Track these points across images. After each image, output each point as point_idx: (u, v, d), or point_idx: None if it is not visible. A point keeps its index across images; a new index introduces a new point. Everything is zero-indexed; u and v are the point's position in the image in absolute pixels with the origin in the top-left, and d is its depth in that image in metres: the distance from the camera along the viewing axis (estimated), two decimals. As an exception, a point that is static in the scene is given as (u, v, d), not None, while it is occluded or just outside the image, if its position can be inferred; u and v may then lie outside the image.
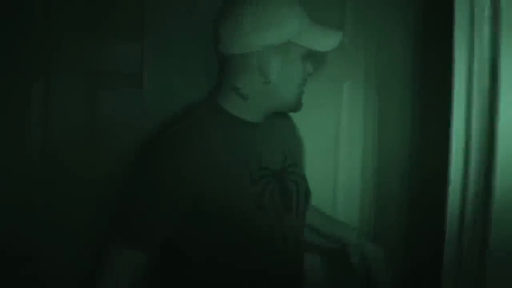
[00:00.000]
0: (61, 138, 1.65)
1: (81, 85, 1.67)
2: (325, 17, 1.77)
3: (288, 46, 1.15)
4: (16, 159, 1.61)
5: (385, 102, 1.92)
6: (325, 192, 1.84)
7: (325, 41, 1.19)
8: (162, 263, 1.19)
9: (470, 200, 1.19)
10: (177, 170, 1.09)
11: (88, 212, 1.63)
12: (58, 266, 1.60)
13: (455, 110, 1.21)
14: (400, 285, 1.85)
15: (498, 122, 1.14)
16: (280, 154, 1.25)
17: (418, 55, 1.91)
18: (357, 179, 1.93)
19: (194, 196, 1.10)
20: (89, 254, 1.20)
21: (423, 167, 1.90)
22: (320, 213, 1.48)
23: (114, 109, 1.70)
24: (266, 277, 1.19)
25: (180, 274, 1.18)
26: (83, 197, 1.64)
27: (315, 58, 1.26)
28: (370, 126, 1.94)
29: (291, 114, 1.34)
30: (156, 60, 1.69)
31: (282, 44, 1.14)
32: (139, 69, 1.69)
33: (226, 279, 1.16)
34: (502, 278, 1.15)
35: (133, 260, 1.11)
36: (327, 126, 1.89)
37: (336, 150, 1.90)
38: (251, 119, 1.20)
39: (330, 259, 1.65)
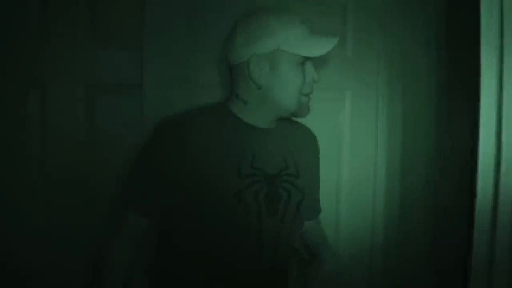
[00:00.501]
0: (59, 147, 1.62)
1: (79, 94, 1.64)
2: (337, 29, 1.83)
3: (277, 53, 1.23)
4: (13, 166, 1.59)
5: (410, 107, 1.95)
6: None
7: (315, 47, 1.26)
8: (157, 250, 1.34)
9: (500, 207, 1.17)
10: (176, 151, 1.23)
11: (87, 221, 1.63)
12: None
13: (483, 114, 1.20)
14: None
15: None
16: (280, 160, 1.32)
17: (443, 60, 1.93)
18: (382, 183, 1.96)
19: (182, 176, 1.23)
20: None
21: (449, 171, 1.92)
22: (318, 230, 1.49)
23: (113, 118, 1.69)
24: (237, 271, 1.27)
25: (169, 258, 1.30)
26: (82, 205, 1.64)
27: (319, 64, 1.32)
28: (396, 131, 1.96)
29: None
30: (156, 69, 1.66)
31: (270, 52, 1.23)
32: (138, 78, 1.65)
33: (204, 266, 1.26)
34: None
35: (136, 223, 1.27)
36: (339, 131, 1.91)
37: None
38: (256, 123, 1.30)
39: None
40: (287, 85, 1.25)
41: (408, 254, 1.96)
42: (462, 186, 1.75)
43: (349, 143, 1.94)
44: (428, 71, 1.97)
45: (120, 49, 1.65)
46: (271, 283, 1.31)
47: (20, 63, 1.57)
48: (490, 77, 1.19)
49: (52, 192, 1.59)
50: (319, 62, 1.81)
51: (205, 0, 1.70)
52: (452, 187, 1.93)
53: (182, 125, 1.26)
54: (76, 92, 1.62)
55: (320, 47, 1.26)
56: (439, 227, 1.97)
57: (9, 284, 1.57)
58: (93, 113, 1.65)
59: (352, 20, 1.89)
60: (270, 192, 1.28)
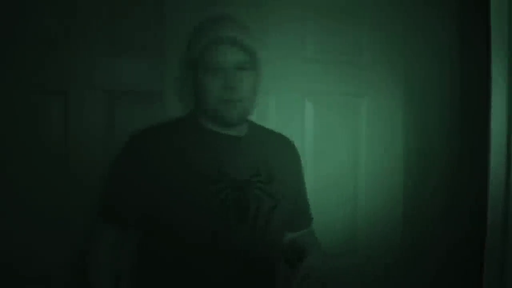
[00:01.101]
0: (81, 155, 1.63)
1: (100, 101, 1.66)
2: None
3: (194, 62, 1.29)
4: (37, 172, 1.61)
5: (425, 113, 1.98)
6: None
7: (222, 58, 1.27)
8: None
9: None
10: (143, 161, 1.28)
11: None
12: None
13: (494, 118, 1.23)
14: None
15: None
16: (250, 167, 1.33)
17: (456, 66, 1.95)
18: (400, 188, 2.00)
19: (151, 186, 1.27)
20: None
21: (462, 173, 1.94)
22: (308, 237, 1.48)
23: (133, 125, 1.67)
24: (209, 277, 1.28)
25: (148, 265, 1.33)
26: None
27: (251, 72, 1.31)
28: (410, 132, 1.99)
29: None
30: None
31: (190, 62, 1.30)
32: (160, 85, 1.68)
33: (177, 271, 1.29)
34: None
35: (112, 233, 1.32)
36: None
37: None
38: (220, 130, 1.32)
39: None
40: (204, 92, 1.28)
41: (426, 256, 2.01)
42: (475, 188, 1.79)
43: (365, 149, 1.97)
44: (442, 77, 2.00)
45: (141, 57, 1.67)
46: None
47: (43, 70, 1.58)
48: (500, 81, 1.21)
49: (75, 196, 1.61)
50: (338, 67, 1.87)
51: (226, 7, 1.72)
52: (466, 189, 1.96)
53: (150, 137, 1.31)
54: (97, 99, 1.64)
55: (224, 58, 1.27)
56: (454, 228, 2.00)
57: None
58: (114, 120, 1.67)
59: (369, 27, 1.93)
60: (238, 199, 1.29)
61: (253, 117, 1.77)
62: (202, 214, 1.27)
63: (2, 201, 1.56)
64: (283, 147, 1.45)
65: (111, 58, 1.65)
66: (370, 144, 1.97)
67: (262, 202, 1.32)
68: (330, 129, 1.92)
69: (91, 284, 1.30)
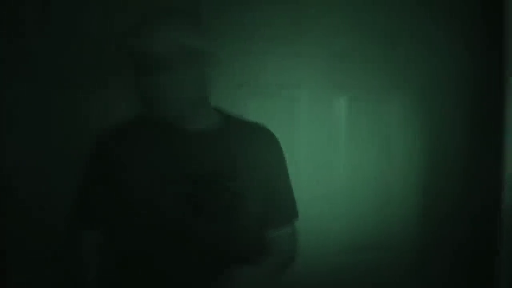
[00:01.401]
0: None
1: None
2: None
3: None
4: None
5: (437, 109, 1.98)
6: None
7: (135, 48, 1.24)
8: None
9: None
10: (104, 161, 1.31)
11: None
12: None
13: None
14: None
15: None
16: (211, 163, 1.31)
17: (471, 60, 1.95)
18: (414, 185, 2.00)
19: (114, 184, 1.29)
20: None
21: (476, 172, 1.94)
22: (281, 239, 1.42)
23: None
24: (168, 272, 1.29)
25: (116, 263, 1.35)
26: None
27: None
28: (424, 130, 2.00)
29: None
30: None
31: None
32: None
33: (140, 268, 1.30)
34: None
35: (88, 236, 1.36)
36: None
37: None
38: (185, 125, 1.30)
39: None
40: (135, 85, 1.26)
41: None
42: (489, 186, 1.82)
43: (395, 143, 1.99)
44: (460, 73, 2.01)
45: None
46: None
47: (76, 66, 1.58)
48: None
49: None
50: (369, 62, 1.89)
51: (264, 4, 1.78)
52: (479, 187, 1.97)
53: (110, 137, 1.33)
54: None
55: (137, 47, 1.23)
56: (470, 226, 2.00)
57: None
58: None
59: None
60: (194, 193, 1.28)
61: (285, 111, 1.84)
62: (159, 211, 1.27)
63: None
64: (258, 141, 1.38)
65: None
66: (401, 138, 1.98)
67: (218, 197, 1.29)
68: (362, 123, 1.94)
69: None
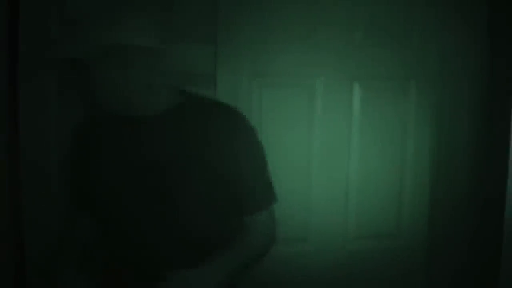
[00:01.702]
0: None
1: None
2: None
3: None
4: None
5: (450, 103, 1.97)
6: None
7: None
8: None
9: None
10: (76, 152, 1.41)
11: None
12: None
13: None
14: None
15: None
16: (172, 148, 1.26)
17: (484, 56, 1.92)
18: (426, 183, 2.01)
19: (86, 171, 1.37)
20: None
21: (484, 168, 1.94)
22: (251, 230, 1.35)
23: None
24: (134, 260, 1.32)
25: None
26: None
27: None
28: (436, 122, 1.99)
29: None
30: (228, 62, 1.75)
31: None
32: (212, 70, 1.74)
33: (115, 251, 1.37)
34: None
35: (80, 221, 1.46)
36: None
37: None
38: (142, 112, 1.29)
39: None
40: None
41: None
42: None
43: (413, 132, 1.99)
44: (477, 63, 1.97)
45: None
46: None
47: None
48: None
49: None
50: (380, 51, 1.89)
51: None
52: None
53: (82, 128, 1.41)
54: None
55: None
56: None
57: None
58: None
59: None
60: (156, 179, 1.26)
61: (301, 100, 1.84)
62: (122, 197, 1.29)
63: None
64: (224, 123, 1.28)
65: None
66: (417, 128, 1.98)
67: (178, 183, 1.25)
68: (377, 113, 1.94)
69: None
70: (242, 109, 1.36)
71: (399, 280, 2.03)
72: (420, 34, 1.94)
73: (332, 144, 1.91)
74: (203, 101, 1.33)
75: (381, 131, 1.95)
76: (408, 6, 1.91)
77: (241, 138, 1.29)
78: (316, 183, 1.90)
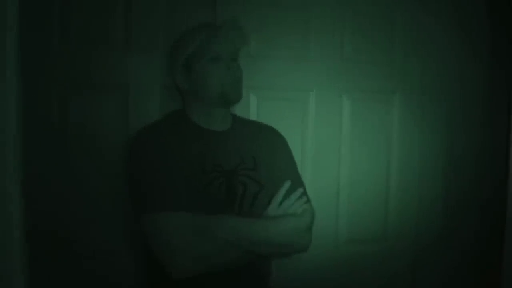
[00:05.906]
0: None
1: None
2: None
3: (191, 57, 1.45)
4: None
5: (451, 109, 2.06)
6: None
7: (220, 48, 1.45)
8: None
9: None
10: (151, 159, 1.37)
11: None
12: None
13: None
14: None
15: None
16: (236, 157, 1.46)
17: (475, 61, 2.01)
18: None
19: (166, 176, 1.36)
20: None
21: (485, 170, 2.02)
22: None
23: None
24: None
25: None
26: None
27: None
28: (417, 134, 2.08)
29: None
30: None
31: (185, 58, 1.45)
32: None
33: None
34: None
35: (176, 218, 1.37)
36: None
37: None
38: (210, 126, 1.46)
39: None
40: (210, 78, 1.43)
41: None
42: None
43: (398, 142, 2.07)
44: (467, 73, 2.07)
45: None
46: (245, 274, 1.40)
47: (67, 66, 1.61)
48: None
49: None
50: (367, 65, 1.98)
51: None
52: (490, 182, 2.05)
53: (151, 137, 1.41)
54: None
55: (220, 46, 1.44)
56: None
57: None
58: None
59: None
60: (228, 185, 1.41)
61: (295, 112, 1.93)
62: (197, 201, 1.36)
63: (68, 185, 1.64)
64: (267, 135, 1.55)
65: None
66: (402, 137, 2.06)
67: (246, 188, 1.43)
68: (365, 123, 2.01)
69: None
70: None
71: (388, 282, 2.09)
72: (403, 50, 2.03)
73: (323, 152, 1.97)
74: (247, 120, 1.61)
75: (369, 140, 2.02)
76: (397, 22, 2.00)
77: (283, 148, 1.56)
78: (309, 189, 1.97)
